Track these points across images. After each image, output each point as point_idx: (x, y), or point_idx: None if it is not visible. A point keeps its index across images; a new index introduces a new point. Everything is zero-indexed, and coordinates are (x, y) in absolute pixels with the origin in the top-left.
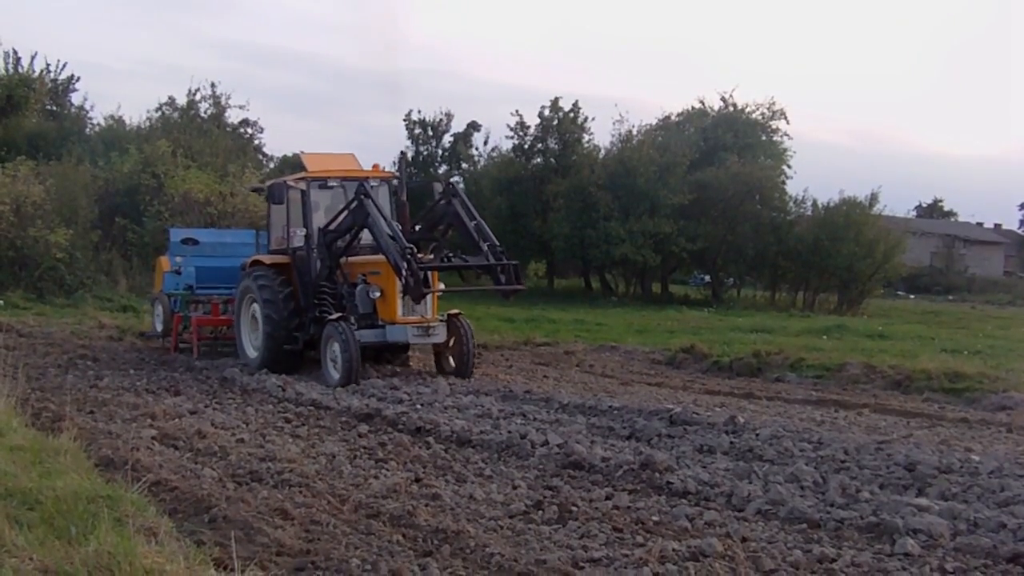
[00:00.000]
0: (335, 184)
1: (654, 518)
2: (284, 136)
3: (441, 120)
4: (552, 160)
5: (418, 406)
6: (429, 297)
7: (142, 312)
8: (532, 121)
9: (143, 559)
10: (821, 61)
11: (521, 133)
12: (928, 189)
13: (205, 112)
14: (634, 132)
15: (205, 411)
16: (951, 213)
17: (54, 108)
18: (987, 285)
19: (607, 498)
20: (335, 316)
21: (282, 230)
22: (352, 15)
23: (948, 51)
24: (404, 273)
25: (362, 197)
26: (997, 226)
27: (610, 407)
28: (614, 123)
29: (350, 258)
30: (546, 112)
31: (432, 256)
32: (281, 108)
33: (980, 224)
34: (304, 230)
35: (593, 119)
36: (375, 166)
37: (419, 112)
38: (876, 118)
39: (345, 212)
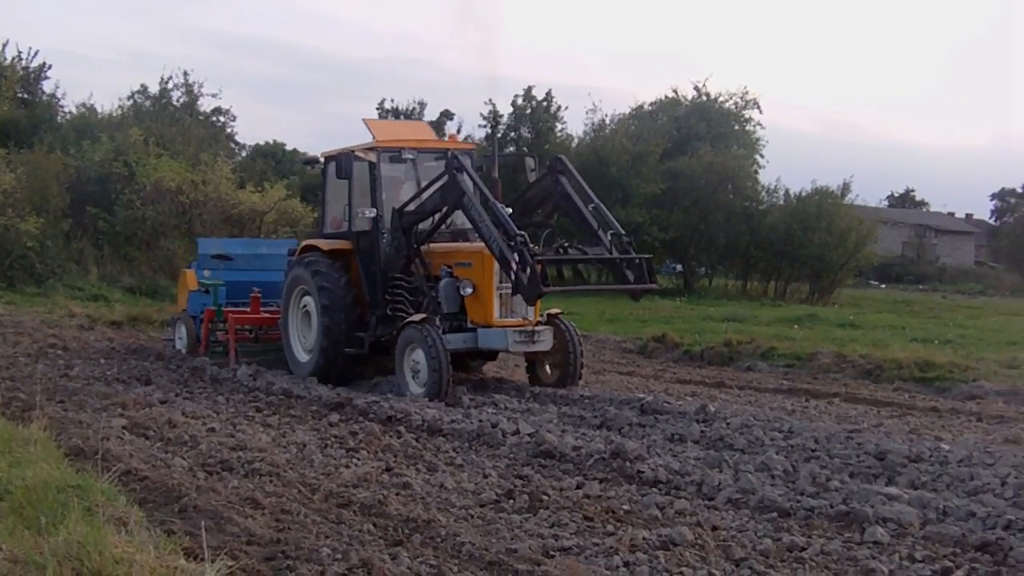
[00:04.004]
0: (411, 156)
1: (625, 507)
2: (257, 124)
3: (414, 109)
4: (525, 149)
5: (389, 395)
6: None
7: (113, 301)
8: (505, 110)
9: (113, 549)
10: (794, 51)
11: (494, 122)
12: (900, 179)
13: (177, 100)
14: (607, 121)
15: (176, 400)
16: (923, 203)
17: (26, 96)
18: (958, 275)
19: (578, 487)
20: (418, 316)
21: (342, 210)
22: (325, 3)
23: (920, 42)
24: (515, 267)
25: (455, 172)
26: (968, 216)
27: (581, 396)
28: (587, 112)
29: (432, 246)
30: (519, 101)
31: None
32: (254, 96)
33: (951, 214)
34: (373, 210)
35: (566, 108)
36: (452, 136)
37: (392, 101)
38: (848, 108)
39: (431, 190)
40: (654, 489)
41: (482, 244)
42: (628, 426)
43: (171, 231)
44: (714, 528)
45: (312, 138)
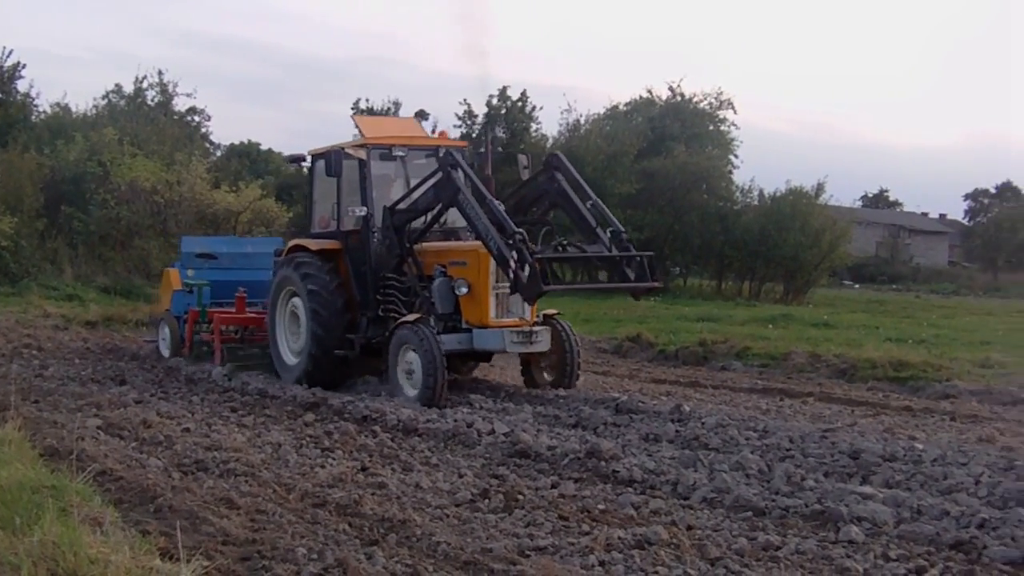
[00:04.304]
0: (401, 153)
1: (600, 506)
2: (231, 124)
3: (389, 109)
4: (500, 149)
5: (364, 395)
6: None
7: (87, 301)
8: (480, 110)
9: (88, 549)
10: (768, 51)
11: (469, 122)
12: (874, 179)
13: (152, 100)
14: (582, 121)
15: (150, 400)
16: (897, 203)
17: (0, 96)
18: (932, 275)
19: (553, 486)
20: (412, 317)
21: (331, 209)
22: (299, 2)
23: (894, 43)
24: (513, 266)
25: (450, 169)
26: (942, 216)
27: (556, 395)
28: (562, 112)
29: (424, 245)
30: (494, 101)
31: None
32: (228, 96)
33: (925, 214)
34: (363, 209)
35: (541, 108)
36: (442, 133)
37: (367, 101)
38: (822, 108)
39: (424, 187)
40: (629, 488)
41: (477, 243)
42: (603, 426)
43: (146, 231)
44: (689, 527)
45: (287, 137)
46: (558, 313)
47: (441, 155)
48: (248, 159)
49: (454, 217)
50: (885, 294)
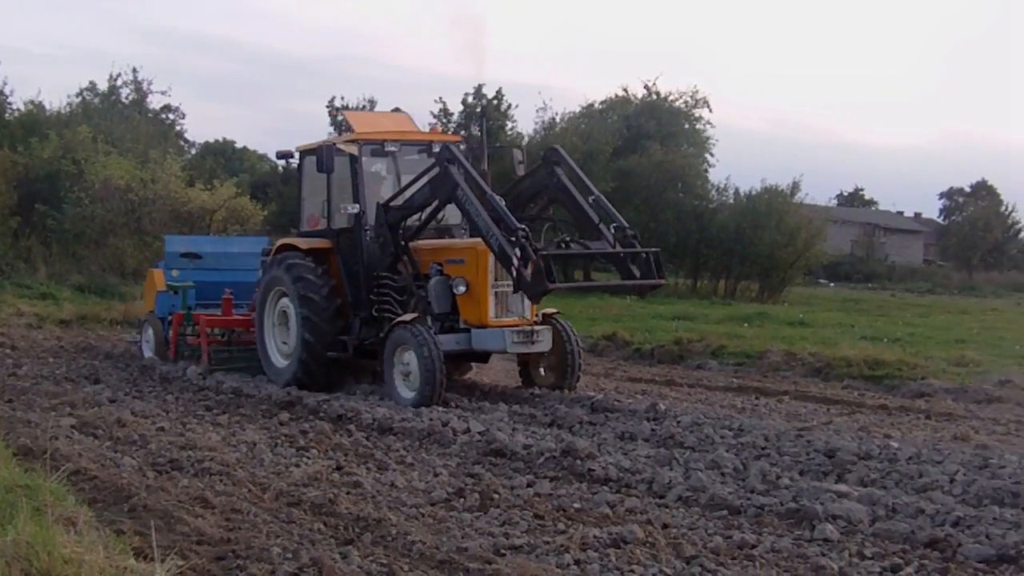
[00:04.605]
0: (394, 148)
1: (575, 505)
2: (206, 122)
3: (364, 107)
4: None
5: (339, 393)
6: None
7: (61, 300)
8: (456, 108)
9: (62, 549)
10: (744, 50)
11: (444, 120)
12: (849, 178)
13: (126, 98)
14: (557, 119)
15: (125, 399)
16: (872, 202)
17: None
18: (907, 273)
19: (528, 485)
20: (408, 316)
21: (320, 207)
22: (275, 1)
23: (868, 41)
24: (516, 263)
25: (447, 163)
26: (917, 215)
27: (531, 394)
28: (537, 111)
29: (419, 242)
30: (469, 99)
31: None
32: (203, 94)
33: (900, 213)
34: (355, 206)
35: (516, 106)
36: (434, 129)
37: (342, 99)
38: (798, 107)
39: (419, 183)
40: (605, 487)
41: (475, 240)
42: (579, 424)
43: (120, 229)
44: (665, 526)
45: (262, 135)
46: (557, 312)
47: (436, 150)
48: (223, 157)
49: (447, 214)
50: (860, 293)
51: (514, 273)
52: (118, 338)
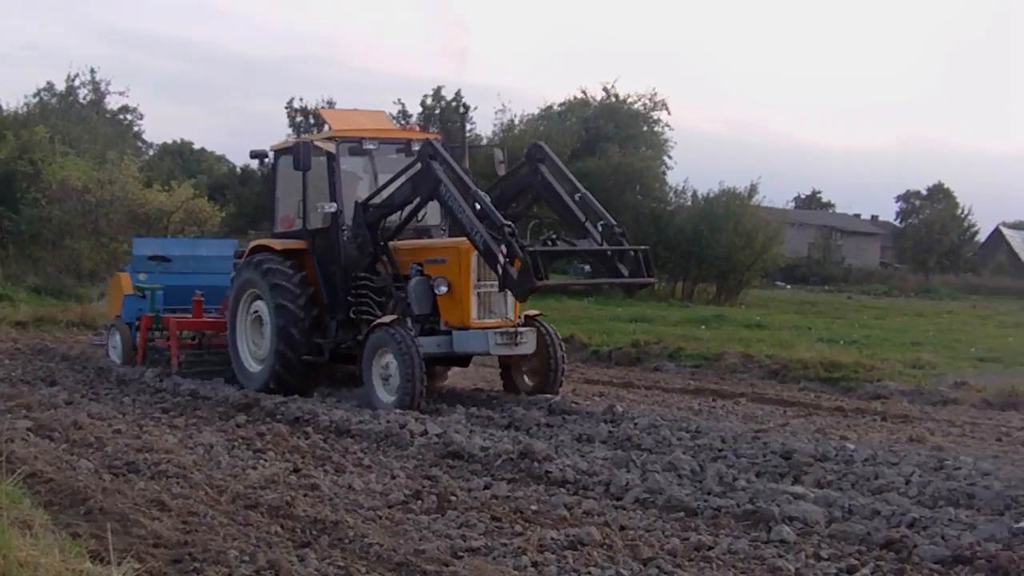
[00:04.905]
0: (372, 147)
1: (533, 507)
2: (164, 123)
3: (323, 108)
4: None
5: (296, 396)
6: (511, 295)
7: (17, 301)
8: (414, 110)
9: (18, 552)
10: (702, 52)
11: (403, 122)
12: (806, 181)
13: (84, 98)
14: (516, 122)
15: (81, 401)
16: (829, 204)
17: None
18: (863, 276)
19: (486, 487)
20: (388, 318)
21: (295, 207)
22: (233, 2)
23: (826, 44)
24: (502, 260)
25: (429, 159)
26: (874, 218)
27: (488, 396)
28: (496, 112)
29: (398, 242)
30: (428, 101)
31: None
32: (161, 94)
33: (857, 215)
34: (333, 205)
35: (475, 108)
36: (411, 127)
37: (301, 100)
38: (755, 110)
39: (398, 181)
40: (562, 489)
41: (458, 239)
42: (536, 426)
43: (77, 230)
44: (622, 528)
45: (220, 137)
46: (540, 314)
47: (416, 148)
48: (181, 158)
49: (426, 214)
50: (817, 295)
51: (500, 271)
52: (75, 340)
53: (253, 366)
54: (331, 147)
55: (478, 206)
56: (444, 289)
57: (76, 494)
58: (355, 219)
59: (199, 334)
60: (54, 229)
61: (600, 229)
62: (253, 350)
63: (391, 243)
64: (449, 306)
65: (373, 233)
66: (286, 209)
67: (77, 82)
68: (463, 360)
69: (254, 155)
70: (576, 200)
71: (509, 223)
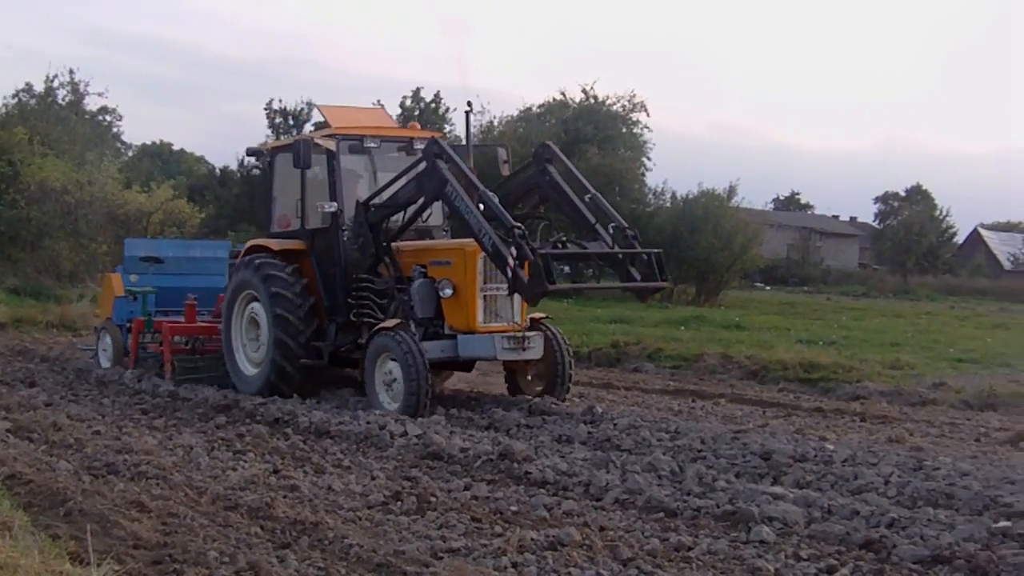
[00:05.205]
0: (373, 145)
1: (513, 508)
2: (143, 124)
3: (303, 109)
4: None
5: (276, 397)
6: (518, 298)
7: None
8: (393, 111)
9: None
10: (681, 54)
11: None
12: (785, 182)
13: (63, 99)
14: (495, 123)
15: (60, 403)
16: (808, 206)
17: None
18: (842, 277)
19: (466, 488)
20: (391, 322)
21: (293, 207)
22: (210, 2)
23: (806, 45)
24: (512, 263)
25: (435, 157)
26: (853, 219)
27: (468, 397)
28: (475, 114)
29: (400, 244)
30: (407, 103)
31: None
32: (140, 96)
33: (836, 217)
34: (333, 204)
35: (454, 110)
36: (413, 124)
37: (280, 101)
38: (735, 111)
39: (402, 180)
40: (542, 490)
41: (464, 240)
42: (516, 427)
43: (56, 231)
44: (601, 528)
45: (199, 138)
46: (546, 317)
47: (418, 146)
48: (160, 159)
49: (430, 214)
50: (796, 296)
51: (509, 274)
52: (54, 341)
53: (249, 369)
54: (331, 144)
55: (482, 206)
56: (449, 292)
57: (56, 496)
58: (356, 219)
59: (192, 339)
60: (33, 230)
61: (611, 231)
62: (249, 353)
63: (393, 244)
64: (454, 309)
65: (375, 234)
66: (283, 209)
67: (56, 83)
68: (466, 365)
69: (250, 153)
70: (586, 201)
71: (519, 224)
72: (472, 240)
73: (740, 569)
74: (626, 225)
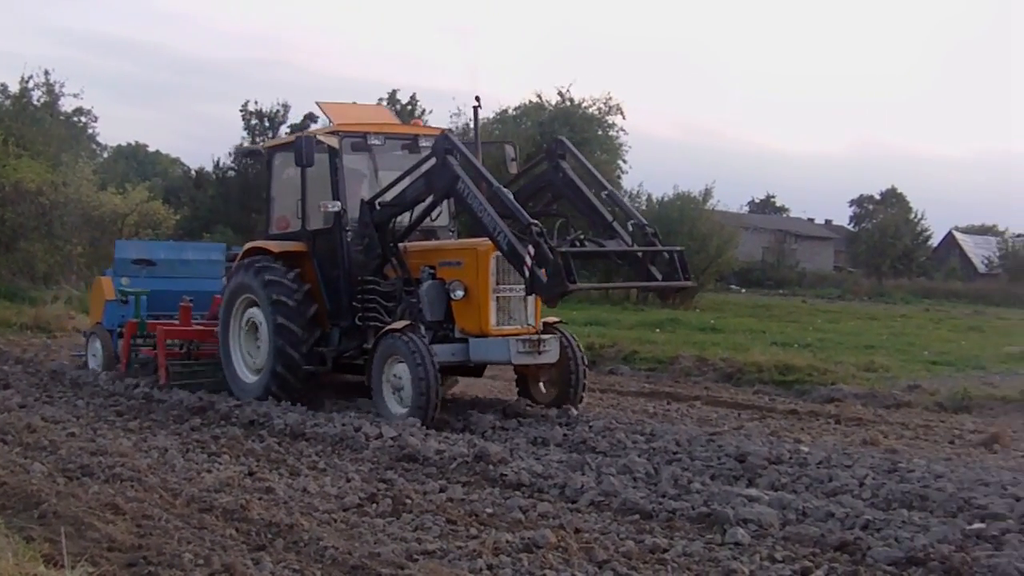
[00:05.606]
0: (377, 142)
1: (488, 510)
2: (118, 125)
3: (278, 111)
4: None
5: (252, 399)
6: (533, 300)
7: None
8: None
9: None
10: (655, 56)
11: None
12: (761, 185)
13: (38, 100)
14: (471, 126)
15: (35, 405)
16: (783, 209)
17: None
18: (817, 279)
19: (441, 490)
20: (400, 324)
21: (293, 207)
22: (185, 3)
23: (781, 47)
24: (529, 262)
25: (446, 153)
26: (828, 222)
27: (444, 400)
28: (451, 116)
29: (407, 244)
30: (383, 105)
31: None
32: (115, 97)
33: (811, 220)
34: (337, 204)
35: (431, 112)
36: (416, 121)
37: (256, 103)
38: (709, 113)
39: (411, 177)
40: (517, 492)
41: (475, 239)
42: (491, 429)
43: (31, 233)
44: (577, 530)
45: (175, 139)
46: (559, 321)
47: (423, 145)
48: (135, 161)
49: (439, 213)
50: (771, 299)
51: (527, 273)
52: (28, 343)
53: (248, 376)
54: (334, 142)
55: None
56: (460, 293)
57: (30, 498)
58: (361, 219)
59: (187, 343)
60: (8, 232)
61: (630, 229)
62: (248, 360)
63: (400, 244)
64: (465, 312)
65: (381, 234)
66: (282, 209)
67: (31, 84)
68: (477, 370)
69: (245, 152)
70: (603, 198)
71: (536, 222)
72: (484, 240)
73: (715, 571)
74: (646, 222)
